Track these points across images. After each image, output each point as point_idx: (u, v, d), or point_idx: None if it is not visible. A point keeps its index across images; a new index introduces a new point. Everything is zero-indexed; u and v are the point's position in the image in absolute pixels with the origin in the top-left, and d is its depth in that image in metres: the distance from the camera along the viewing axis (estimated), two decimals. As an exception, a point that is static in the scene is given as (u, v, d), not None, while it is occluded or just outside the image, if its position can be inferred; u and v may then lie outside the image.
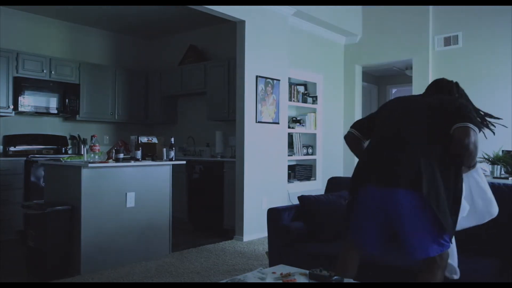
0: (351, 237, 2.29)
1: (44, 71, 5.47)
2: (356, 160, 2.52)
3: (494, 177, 3.97)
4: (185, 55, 6.35)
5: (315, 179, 6.16)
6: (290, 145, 5.74)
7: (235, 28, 5.01)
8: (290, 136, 5.76)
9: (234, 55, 5.09)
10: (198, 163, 5.51)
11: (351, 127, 2.55)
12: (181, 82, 6.18)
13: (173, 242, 4.32)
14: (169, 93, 6.43)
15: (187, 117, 6.63)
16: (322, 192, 3.65)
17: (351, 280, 2.01)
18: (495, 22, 5.45)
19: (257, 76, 5.00)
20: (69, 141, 5.95)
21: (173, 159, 4.28)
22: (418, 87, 5.91)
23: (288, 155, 5.58)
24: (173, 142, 4.33)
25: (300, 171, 5.95)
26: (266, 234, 3.25)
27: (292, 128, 5.80)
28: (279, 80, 5.29)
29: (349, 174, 6.96)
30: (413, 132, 2.18)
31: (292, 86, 5.83)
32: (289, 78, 5.63)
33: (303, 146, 5.98)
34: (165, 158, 4.27)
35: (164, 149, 4.30)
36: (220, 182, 5.23)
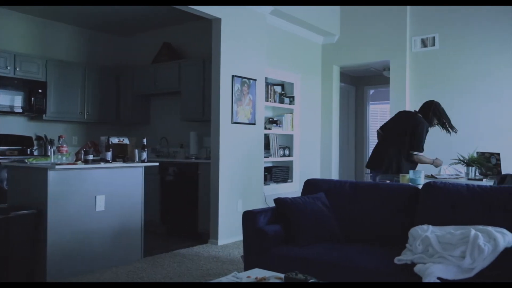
0: None
1: (8, 67, 5.22)
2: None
3: (468, 179, 4.00)
4: (158, 53, 6.19)
5: (292, 181, 6.10)
6: (267, 146, 5.67)
7: (210, 26, 4.91)
8: (267, 137, 5.69)
9: (209, 53, 4.97)
10: (171, 165, 5.37)
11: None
12: (155, 81, 6.02)
13: (145, 247, 4.18)
14: (142, 92, 6.26)
15: (160, 117, 6.46)
16: (299, 194, 3.62)
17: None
18: (471, 24, 5.53)
19: (233, 76, 4.90)
20: (35, 142, 5.71)
21: (146, 161, 4.16)
22: (395, 88, 5.95)
23: (265, 157, 5.50)
24: (145, 143, 4.20)
25: (276, 173, 5.89)
26: (241, 237, 3.18)
27: (269, 129, 5.73)
28: (255, 79, 5.21)
29: (326, 176, 6.96)
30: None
31: (269, 86, 5.76)
32: (266, 78, 5.56)
33: (280, 148, 5.92)
34: (137, 159, 4.15)
35: (136, 150, 4.18)
36: (195, 184, 5.11)
